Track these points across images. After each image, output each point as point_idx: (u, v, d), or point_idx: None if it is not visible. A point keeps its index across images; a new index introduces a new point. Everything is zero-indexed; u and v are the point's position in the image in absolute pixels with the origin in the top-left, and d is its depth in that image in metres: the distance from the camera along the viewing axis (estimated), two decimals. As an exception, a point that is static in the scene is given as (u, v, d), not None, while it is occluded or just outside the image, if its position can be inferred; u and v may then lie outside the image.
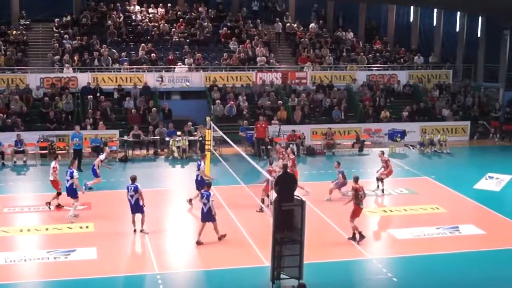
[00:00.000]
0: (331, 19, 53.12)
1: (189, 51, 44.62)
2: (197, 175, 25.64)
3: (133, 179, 22.55)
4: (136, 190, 22.39)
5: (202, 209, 21.60)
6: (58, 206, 25.59)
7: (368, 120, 41.05)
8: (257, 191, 25.78)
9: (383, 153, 29.41)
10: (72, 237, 22.53)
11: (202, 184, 24.42)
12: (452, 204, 27.26)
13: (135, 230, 22.61)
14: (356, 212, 22.12)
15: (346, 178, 27.05)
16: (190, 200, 25.89)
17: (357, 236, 22.11)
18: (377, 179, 28.86)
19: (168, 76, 42.17)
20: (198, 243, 21.67)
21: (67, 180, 24.45)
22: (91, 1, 48.52)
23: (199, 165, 26.03)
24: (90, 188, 27.79)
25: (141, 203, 22.50)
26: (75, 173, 24.50)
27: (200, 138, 32.27)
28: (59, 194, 25.60)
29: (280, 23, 50.15)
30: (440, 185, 29.95)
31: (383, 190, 28.49)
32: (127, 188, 22.60)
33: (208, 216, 21.55)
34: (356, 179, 22.38)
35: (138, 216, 22.67)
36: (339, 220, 23.93)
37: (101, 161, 29.19)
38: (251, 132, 36.90)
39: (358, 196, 22.07)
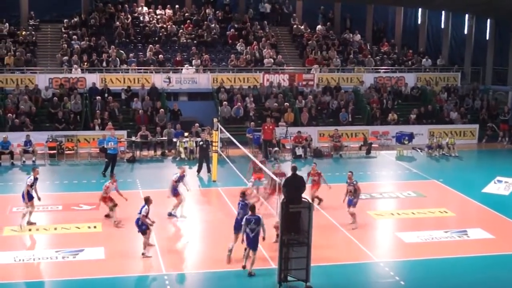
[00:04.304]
0: (338, 21, 53.02)
1: (197, 53, 44.67)
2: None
3: None
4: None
5: (248, 234, 19.30)
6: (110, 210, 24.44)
7: (375, 123, 40.98)
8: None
9: None
10: (80, 237, 22.60)
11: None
12: (460, 208, 27.19)
13: None
14: None
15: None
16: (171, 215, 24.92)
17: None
18: None
19: (176, 77, 42.26)
20: (250, 275, 19.51)
21: (139, 213, 20.95)
22: (99, 2, 48.61)
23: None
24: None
25: None
26: (144, 210, 20.92)
27: (201, 142, 31.97)
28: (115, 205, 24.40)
29: (267, 4, 51.17)
30: (448, 188, 29.86)
31: None
32: None
33: (254, 243, 19.37)
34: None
35: None
36: (347, 222, 23.94)
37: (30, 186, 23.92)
38: (258, 133, 36.91)
39: None
